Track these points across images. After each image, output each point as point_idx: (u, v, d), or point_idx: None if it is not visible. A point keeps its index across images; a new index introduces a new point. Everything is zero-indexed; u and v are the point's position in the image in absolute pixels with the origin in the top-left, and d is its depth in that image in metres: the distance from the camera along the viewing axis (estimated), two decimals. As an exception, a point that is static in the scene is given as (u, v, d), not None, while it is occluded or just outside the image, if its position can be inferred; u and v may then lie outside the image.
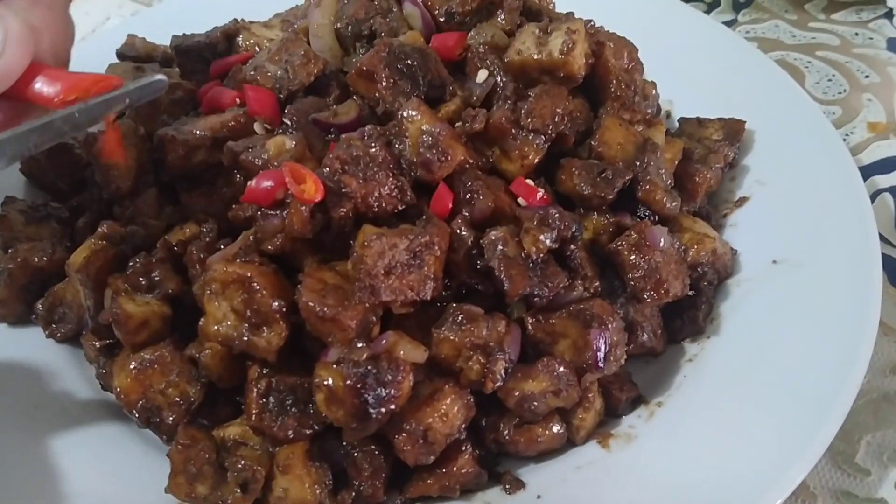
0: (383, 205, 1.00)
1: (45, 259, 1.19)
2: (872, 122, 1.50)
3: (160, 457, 1.02)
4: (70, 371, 1.16)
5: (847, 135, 1.48)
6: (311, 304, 0.92)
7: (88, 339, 1.12)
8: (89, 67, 1.44)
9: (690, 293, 1.12)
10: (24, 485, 1.00)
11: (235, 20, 1.33)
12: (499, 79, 1.14)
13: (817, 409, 0.96)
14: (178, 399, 1.00)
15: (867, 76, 1.60)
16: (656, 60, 1.30)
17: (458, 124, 1.09)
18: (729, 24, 1.73)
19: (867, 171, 1.39)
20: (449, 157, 1.03)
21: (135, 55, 1.44)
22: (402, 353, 0.92)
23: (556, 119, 1.10)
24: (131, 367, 1.00)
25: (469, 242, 1.01)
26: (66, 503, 0.99)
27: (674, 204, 1.13)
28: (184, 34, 1.31)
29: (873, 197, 1.34)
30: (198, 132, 1.09)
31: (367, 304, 0.93)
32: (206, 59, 1.28)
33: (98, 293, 1.05)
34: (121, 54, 1.45)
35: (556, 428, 1.02)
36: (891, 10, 1.73)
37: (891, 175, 1.39)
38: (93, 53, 1.52)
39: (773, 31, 1.74)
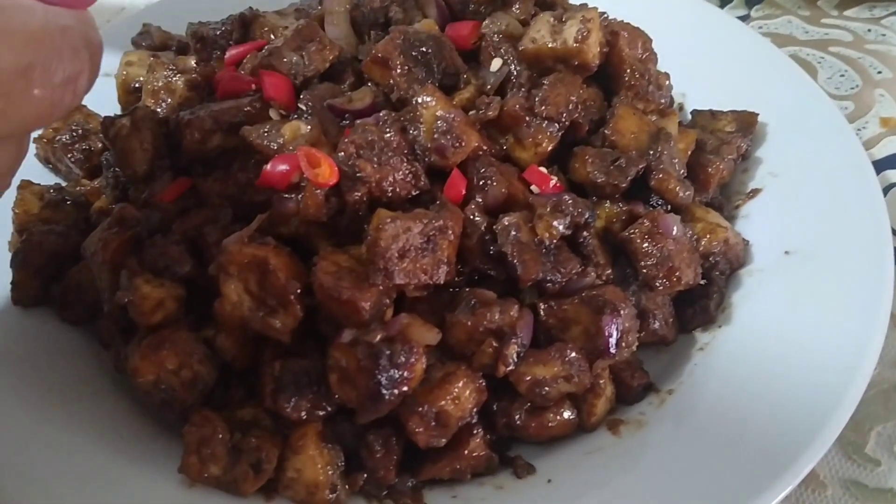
0: (397, 189, 1.01)
1: (60, 242, 1.19)
2: (885, 117, 1.51)
3: (174, 437, 1.03)
4: (85, 354, 1.16)
5: (859, 129, 1.48)
6: (325, 285, 0.92)
7: (103, 322, 1.13)
8: (105, 55, 1.46)
9: (702, 282, 1.12)
10: (38, 464, 1.01)
11: (250, 8, 1.33)
12: (513, 67, 1.15)
13: (828, 399, 0.96)
14: (192, 380, 1.00)
15: (879, 72, 1.60)
16: (670, 53, 1.30)
17: (472, 112, 1.09)
18: (742, 19, 1.73)
19: (879, 166, 1.39)
20: (463, 143, 1.04)
21: (150, 43, 1.44)
22: (415, 335, 0.93)
23: (570, 107, 1.11)
24: (146, 348, 1.00)
25: (482, 228, 1.01)
26: (78, 482, 0.99)
27: (687, 193, 1.13)
28: (199, 22, 1.32)
29: (885, 191, 1.34)
30: (214, 117, 1.10)
31: (380, 287, 0.94)
32: (222, 46, 1.28)
33: (114, 275, 1.06)
34: (136, 42, 1.46)
35: (567, 413, 1.02)
36: (904, 6, 1.74)
37: (903, 169, 1.39)
38: (108, 42, 1.54)
39: (786, 27, 1.75)
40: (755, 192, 1.26)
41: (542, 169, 1.09)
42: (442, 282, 0.97)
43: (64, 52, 0.71)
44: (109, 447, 1.03)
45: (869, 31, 1.70)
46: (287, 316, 0.95)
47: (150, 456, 1.03)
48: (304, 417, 0.96)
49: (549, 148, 1.11)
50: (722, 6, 1.81)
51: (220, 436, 0.97)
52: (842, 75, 1.60)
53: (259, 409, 1.00)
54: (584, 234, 1.05)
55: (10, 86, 0.66)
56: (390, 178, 1.00)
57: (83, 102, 1.38)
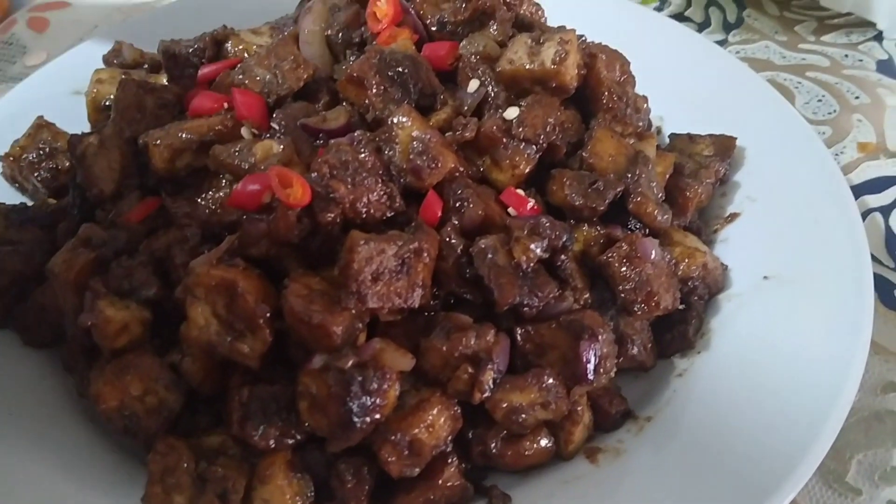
0: (372, 211, 0.99)
1: (24, 263, 1.16)
2: (862, 142, 1.51)
3: (138, 466, 1.00)
4: (48, 378, 1.13)
5: (837, 154, 1.48)
6: (296, 309, 0.90)
7: (67, 344, 1.10)
8: (77, 74, 1.45)
9: (681, 307, 1.11)
10: (-3, 493, 0.98)
11: (224, 27, 1.32)
12: (490, 88, 1.13)
13: (808, 427, 0.95)
14: (157, 406, 0.98)
15: (857, 97, 1.60)
16: (648, 77, 1.29)
17: (448, 133, 1.08)
18: (720, 43, 1.73)
19: (857, 191, 1.38)
20: (439, 164, 1.02)
21: (122, 61, 1.42)
22: (388, 360, 0.91)
23: (548, 129, 1.10)
24: (109, 373, 0.98)
25: (458, 250, 1.00)
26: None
27: (665, 217, 1.12)
28: (172, 40, 1.30)
29: (864, 216, 1.34)
30: (183, 136, 1.07)
31: (353, 311, 0.91)
32: (195, 64, 1.26)
33: (78, 297, 1.03)
34: (108, 60, 1.43)
35: (544, 441, 1.00)
36: (880, 32, 1.75)
37: (881, 194, 1.39)
38: (80, 59, 1.52)
39: (764, 52, 1.75)
40: (733, 216, 1.25)
41: (520, 191, 1.08)
42: (417, 306, 0.96)
43: None
44: (72, 475, 1.01)
45: (846, 56, 1.71)
46: (256, 340, 0.92)
47: (114, 485, 1.01)
48: (273, 446, 0.93)
49: (527, 170, 1.10)
50: (700, 31, 1.82)
51: (186, 465, 0.94)
52: (819, 100, 1.60)
53: (226, 437, 0.97)
54: (562, 257, 1.04)
55: None
56: (364, 199, 0.98)
57: (52, 120, 1.36)
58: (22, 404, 1.09)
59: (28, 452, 1.03)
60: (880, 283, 1.25)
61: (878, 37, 1.75)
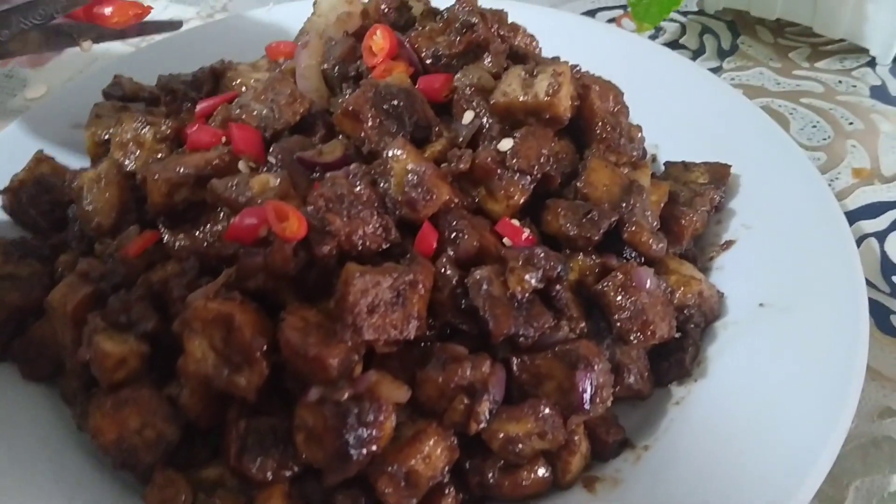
0: (367, 243, 1.00)
1: (23, 297, 1.17)
2: (857, 167, 1.52)
3: (136, 499, 1.00)
4: (46, 411, 1.13)
5: (832, 180, 1.49)
6: (292, 342, 0.90)
7: (66, 378, 1.10)
8: (76, 107, 1.46)
9: (677, 335, 1.11)
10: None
11: (222, 60, 1.33)
12: (485, 120, 1.14)
13: (805, 454, 0.95)
14: (154, 440, 0.98)
15: (851, 123, 1.61)
16: (642, 105, 1.31)
17: (443, 165, 1.09)
18: (714, 71, 1.74)
19: (852, 217, 1.39)
20: (434, 196, 1.03)
21: (121, 94, 1.44)
22: (384, 392, 0.91)
23: (542, 160, 1.11)
24: (108, 406, 0.98)
25: (454, 282, 1.00)
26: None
27: (660, 246, 1.13)
28: (170, 74, 1.32)
29: (859, 242, 1.35)
30: (181, 170, 1.08)
31: (349, 343, 0.92)
32: (193, 98, 1.28)
33: (76, 331, 1.04)
34: (107, 94, 1.45)
35: (541, 471, 1.00)
36: (873, 58, 1.76)
37: (876, 220, 1.40)
38: (79, 93, 1.53)
39: (758, 79, 1.76)
40: (729, 243, 1.26)
41: (515, 221, 1.09)
42: (412, 337, 0.96)
43: None
44: (70, 509, 1.00)
45: (840, 82, 1.72)
46: (252, 373, 0.93)
47: (112, 518, 1.00)
48: (270, 478, 0.93)
49: (521, 200, 1.10)
50: (695, 58, 1.83)
51: (183, 497, 0.95)
52: (814, 126, 1.62)
53: (224, 469, 0.97)
54: (557, 287, 1.04)
55: None
56: (360, 232, 0.99)
57: (51, 153, 1.38)
58: (20, 437, 1.09)
59: (27, 485, 1.02)
60: (876, 309, 1.25)
61: (872, 63, 1.76)
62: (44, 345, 1.14)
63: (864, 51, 1.77)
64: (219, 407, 0.99)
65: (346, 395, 0.90)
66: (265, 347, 0.93)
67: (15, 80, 1.90)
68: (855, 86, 1.71)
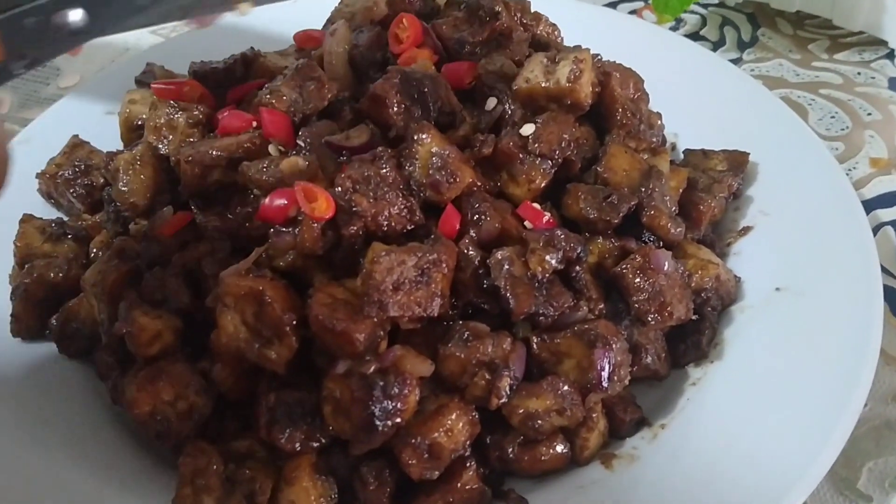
0: (393, 224, 1.03)
1: (60, 275, 1.21)
2: (874, 157, 1.53)
3: (169, 469, 1.04)
4: (82, 386, 1.17)
5: (850, 170, 1.50)
6: (320, 317, 0.93)
7: (101, 354, 1.14)
8: (110, 95, 1.50)
9: (694, 318, 1.13)
10: (32, 497, 1.01)
11: (252, 49, 1.36)
12: (507, 106, 1.17)
13: (819, 433, 0.97)
14: (187, 411, 1.01)
15: (869, 114, 1.63)
16: (663, 94, 1.33)
17: (466, 149, 1.11)
18: (734, 62, 1.76)
19: (869, 206, 1.41)
20: (457, 179, 1.05)
21: (153, 82, 1.47)
22: (408, 366, 0.94)
23: (563, 145, 1.13)
24: (142, 379, 1.01)
25: (476, 262, 1.03)
26: (74, 515, 1.00)
27: (678, 230, 1.15)
28: (202, 61, 1.35)
29: (875, 230, 1.35)
30: (213, 153, 1.12)
31: (375, 319, 0.95)
32: (224, 85, 1.31)
33: (112, 308, 1.08)
34: (139, 81, 1.48)
35: (559, 447, 1.03)
36: (892, 50, 1.77)
37: (892, 209, 1.41)
38: (112, 81, 1.57)
39: (777, 70, 1.78)
40: (746, 229, 1.28)
41: (536, 205, 1.11)
42: (436, 314, 0.98)
43: None
44: (105, 479, 1.04)
45: (859, 73, 1.74)
46: (282, 347, 0.96)
47: (146, 487, 1.04)
48: (299, 449, 0.97)
49: (543, 184, 1.13)
50: (715, 49, 1.85)
51: (215, 467, 0.98)
52: (832, 117, 1.63)
53: (253, 441, 1.01)
54: (577, 268, 1.06)
55: None
56: (386, 213, 1.02)
57: (85, 139, 1.41)
58: (58, 412, 1.13)
59: (63, 458, 1.06)
60: (891, 295, 1.27)
61: (890, 55, 1.77)
62: (79, 322, 1.18)
63: (883, 43, 1.78)
64: (249, 380, 1.02)
65: (372, 369, 0.93)
66: (294, 322, 0.96)
67: (49, 69, 1.94)
68: (874, 77, 1.72)
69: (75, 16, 0.93)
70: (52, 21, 0.93)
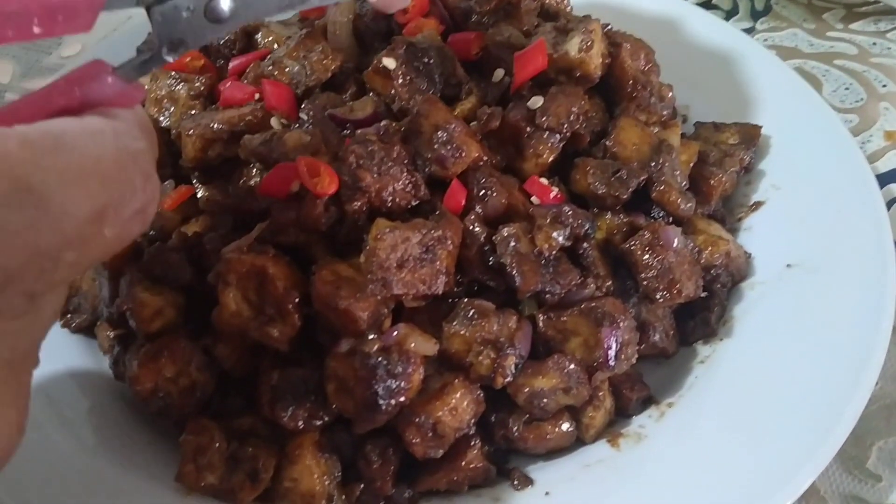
0: (397, 199, 1.01)
1: (61, 250, 1.20)
2: (889, 130, 1.50)
3: (171, 446, 1.03)
4: (83, 361, 1.16)
5: (864, 143, 1.47)
6: (323, 294, 0.92)
7: (103, 328, 1.13)
8: (111, 62, 1.48)
9: (703, 295, 1.12)
10: (33, 472, 1.01)
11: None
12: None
13: (828, 413, 0.96)
14: (189, 388, 1.00)
15: (885, 85, 1.59)
16: (674, 65, 1.30)
17: (473, 122, 1.09)
18: (747, 31, 1.72)
19: (883, 180, 1.38)
20: (463, 154, 1.03)
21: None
22: (412, 345, 0.93)
23: (572, 118, 1.11)
24: (144, 355, 1.00)
25: (482, 238, 1.01)
26: (74, 490, 0.99)
27: (688, 205, 1.13)
28: (204, 31, 1.32)
29: (889, 204, 1.33)
30: (215, 126, 1.10)
31: (378, 297, 0.93)
32: (226, 55, 1.29)
33: (114, 283, 1.07)
34: (140, 51, 1.46)
35: (565, 426, 1.02)
36: (909, 20, 1.74)
37: (907, 183, 1.39)
38: (114, 50, 1.55)
39: (791, 40, 1.74)
40: (758, 204, 1.26)
41: (543, 180, 1.09)
42: (440, 292, 0.97)
43: (136, 184, 0.63)
44: (106, 455, 1.03)
45: (874, 44, 1.70)
46: (285, 325, 0.95)
47: (148, 464, 1.03)
48: (301, 427, 0.96)
49: (550, 159, 1.11)
50: (727, 18, 1.81)
51: (218, 444, 0.97)
52: (846, 88, 1.60)
53: (256, 418, 1.00)
54: (584, 245, 1.05)
55: (84, 234, 0.58)
56: (390, 188, 1.00)
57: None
58: (61, 389, 1.12)
59: (64, 433, 1.06)
60: (905, 272, 1.25)
61: (907, 25, 1.74)
62: (81, 296, 1.17)
63: (901, 12, 1.74)
64: (252, 357, 1.01)
65: (375, 347, 0.92)
66: (297, 300, 0.95)
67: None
68: (889, 48, 1.69)
69: None
70: None
